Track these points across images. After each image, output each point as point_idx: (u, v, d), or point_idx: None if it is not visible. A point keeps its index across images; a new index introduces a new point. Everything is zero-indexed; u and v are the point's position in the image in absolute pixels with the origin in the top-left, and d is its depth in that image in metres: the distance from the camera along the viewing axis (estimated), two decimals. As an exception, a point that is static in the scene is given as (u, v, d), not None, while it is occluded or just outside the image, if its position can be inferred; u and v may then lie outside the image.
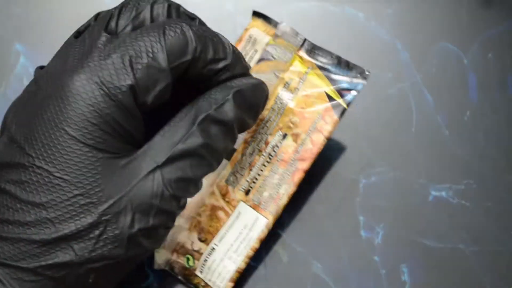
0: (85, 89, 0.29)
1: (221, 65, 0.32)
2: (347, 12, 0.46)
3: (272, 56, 0.39)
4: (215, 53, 0.32)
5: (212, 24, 0.45)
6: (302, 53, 0.39)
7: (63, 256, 0.29)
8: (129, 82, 0.30)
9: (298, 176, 0.38)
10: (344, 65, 0.39)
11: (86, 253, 0.29)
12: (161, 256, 0.38)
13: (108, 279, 0.31)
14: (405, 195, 0.41)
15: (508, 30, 0.45)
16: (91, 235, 0.29)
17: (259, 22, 0.40)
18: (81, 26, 0.34)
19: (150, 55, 0.30)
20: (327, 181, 0.41)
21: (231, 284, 0.37)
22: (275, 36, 0.39)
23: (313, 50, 0.39)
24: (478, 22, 0.45)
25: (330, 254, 0.40)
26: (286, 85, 0.39)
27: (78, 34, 0.33)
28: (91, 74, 0.29)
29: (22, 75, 0.45)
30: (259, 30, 0.40)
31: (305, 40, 0.39)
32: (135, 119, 0.30)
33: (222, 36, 0.33)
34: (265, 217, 0.38)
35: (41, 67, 0.33)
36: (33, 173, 0.29)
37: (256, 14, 0.40)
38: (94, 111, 0.29)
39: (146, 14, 0.32)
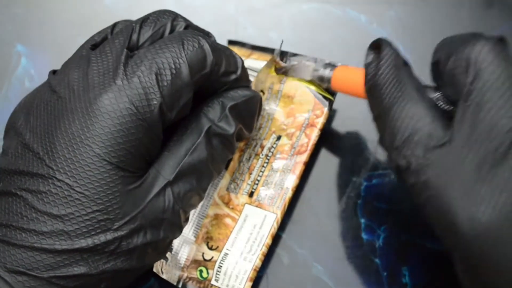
0: (114, 108, 0.30)
1: (231, 78, 0.33)
2: (349, 14, 0.46)
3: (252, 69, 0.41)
4: (228, 66, 0.33)
5: (214, 25, 0.46)
6: (277, 61, 0.40)
7: (78, 268, 0.29)
8: (157, 101, 0.30)
9: (299, 168, 0.39)
10: (321, 63, 0.39)
11: (100, 265, 0.30)
12: (171, 275, 0.38)
13: (117, 286, 0.31)
14: (406, 197, 0.41)
15: (509, 31, 0.45)
16: (106, 250, 0.30)
17: (235, 48, 0.42)
18: (95, 35, 0.34)
19: (174, 70, 0.31)
20: (328, 183, 0.41)
21: (250, 284, 0.37)
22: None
23: (287, 57, 0.40)
24: (479, 23, 0.45)
25: (331, 256, 0.40)
26: (270, 89, 0.40)
27: (94, 46, 0.33)
28: (120, 93, 0.30)
29: (24, 76, 0.45)
30: None
31: (277, 49, 0.40)
32: (158, 138, 0.31)
33: (232, 50, 0.34)
34: (273, 213, 0.38)
35: (54, 71, 0.33)
36: (53, 185, 0.29)
37: (231, 42, 0.43)
38: (122, 131, 0.30)
39: (166, 30, 0.33)
